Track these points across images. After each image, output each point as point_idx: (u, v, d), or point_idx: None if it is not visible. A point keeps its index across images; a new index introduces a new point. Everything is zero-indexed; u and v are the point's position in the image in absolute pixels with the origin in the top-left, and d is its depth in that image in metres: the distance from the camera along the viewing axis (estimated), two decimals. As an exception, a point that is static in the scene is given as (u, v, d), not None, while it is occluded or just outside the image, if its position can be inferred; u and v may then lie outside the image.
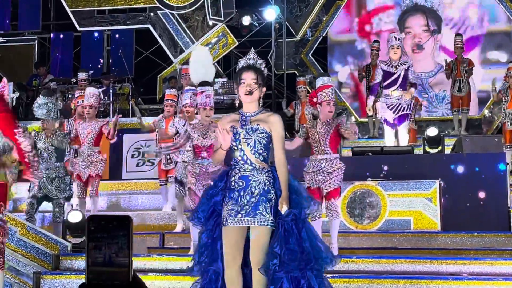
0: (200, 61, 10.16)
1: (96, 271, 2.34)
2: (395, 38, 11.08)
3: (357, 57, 17.06)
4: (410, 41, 16.45)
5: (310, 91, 15.33)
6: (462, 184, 9.78)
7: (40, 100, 9.52)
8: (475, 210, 9.67)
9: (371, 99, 11.42)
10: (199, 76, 9.84)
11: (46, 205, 9.75)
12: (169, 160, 10.74)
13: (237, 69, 5.32)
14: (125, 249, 2.33)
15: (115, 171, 12.90)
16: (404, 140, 11.05)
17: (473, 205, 9.69)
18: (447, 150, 11.51)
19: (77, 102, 10.83)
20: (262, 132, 5.14)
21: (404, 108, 10.93)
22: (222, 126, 5.17)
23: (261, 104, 5.25)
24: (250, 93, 5.15)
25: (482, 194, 9.70)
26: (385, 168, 9.90)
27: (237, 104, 5.35)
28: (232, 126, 5.18)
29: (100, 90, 10.82)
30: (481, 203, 9.67)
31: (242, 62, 5.29)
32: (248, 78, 5.18)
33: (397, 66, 10.90)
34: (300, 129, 13.93)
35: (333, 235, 8.19)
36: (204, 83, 8.94)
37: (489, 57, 14.70)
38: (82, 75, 13.70)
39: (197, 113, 8.96)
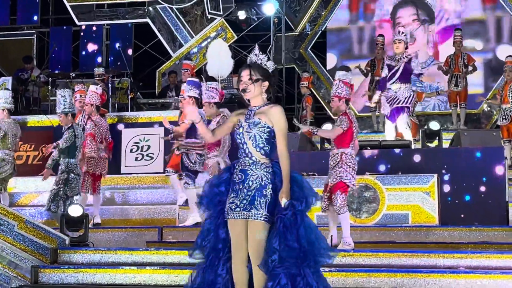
0: (216, 54, 10.19)
1: None
2: (398, 32, 11.11)
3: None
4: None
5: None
6: (461, 178, 9.80)
7: (57, 93, 9.85)
8: (474, 204, 9.70)
9: (378, 93, 11.47)
10: (213, 70, 9.92)
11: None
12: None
13: None
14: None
15: (114, 166, 12.89)
16: (403, 133, 11.03)
17: (472, 199, 9.71)
18: (445, 144, 11.53)
19: (75, 97, 10.85)
20: (263, 127, 5.19)
21: (400, 101, 10.93)
22: (231, 117, 5.31)
23: (268, 97, 5.28)
24: (243, 90, 5.25)
25: (481, 188, 9.72)
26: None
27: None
28: (239, 119, 5.27)
29: (99, 86, 11.05)
30: (481, 197, 9.69)
31: (248, 59, 5.40)
32: (244, 75, 5.27)
33: (399, 60, 10.93)
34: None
35: (343, 229, 8.24)
36: (211, 79, 9.20)
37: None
38: (98, 70, 13.88)
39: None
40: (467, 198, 9.78)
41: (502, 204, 9.70)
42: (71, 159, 9.56)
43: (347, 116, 8.29)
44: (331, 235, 8.27)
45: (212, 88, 9.25)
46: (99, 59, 17.52)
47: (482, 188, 9.74)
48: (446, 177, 9.80)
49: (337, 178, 8.20)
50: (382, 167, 10.05)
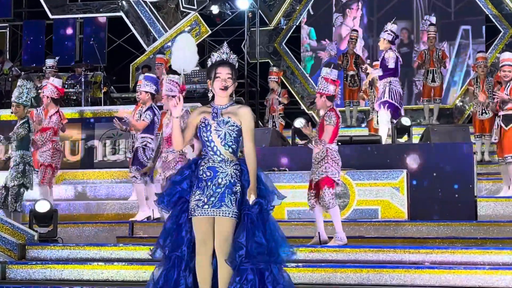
0: (182, 48, 10.19)
1: None
2: (384, 30, 11.20)
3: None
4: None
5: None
6: (429, 173, 9.87)
7: (18, 82, 9.63)
8: (442, 200, 9.77)
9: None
10: (178, 64, 9.90)
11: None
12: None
13: (211, 62, 5.36)
14: None
15: (86, 160, 12.87)
16: (379, 129, 11.13)
17: (441, 194, 9.78)
18: (415, 140, 11.60)
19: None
20: (233, 125, 5.22)
21: (379, 97, 11.05)
22: (193, 117, 5.27)
23: (233, 97, 5.34)
24: (225, 88, 5.23)
25: (450, 184, 9.79)
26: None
27: (210, 97, 5.39)
28: (204, 117, 5.25)
29: (55, 78, 11.03)
30: (449, 192, 9.76)
31: (215, 56, 5.35)
32: (224, 73, 5.26)
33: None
34: (270, 119, 14.06)
35: (334, 224, 8.26)
36: (173, 72, 9.11)
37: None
38: (50, 62, 13.70)
39: None
40: (427, 186, 9.84)
41: (470, 199, 9.79)
42: (25, 151, 9.43)
43: (334, 111, 8.32)
44: (318, 232, 8.26)
45: (173, 81, 9.14)
46: (69, 43, 17.48)
47: (452, 183, 9.79)
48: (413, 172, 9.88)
49: (322, 173, 8.17)
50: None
